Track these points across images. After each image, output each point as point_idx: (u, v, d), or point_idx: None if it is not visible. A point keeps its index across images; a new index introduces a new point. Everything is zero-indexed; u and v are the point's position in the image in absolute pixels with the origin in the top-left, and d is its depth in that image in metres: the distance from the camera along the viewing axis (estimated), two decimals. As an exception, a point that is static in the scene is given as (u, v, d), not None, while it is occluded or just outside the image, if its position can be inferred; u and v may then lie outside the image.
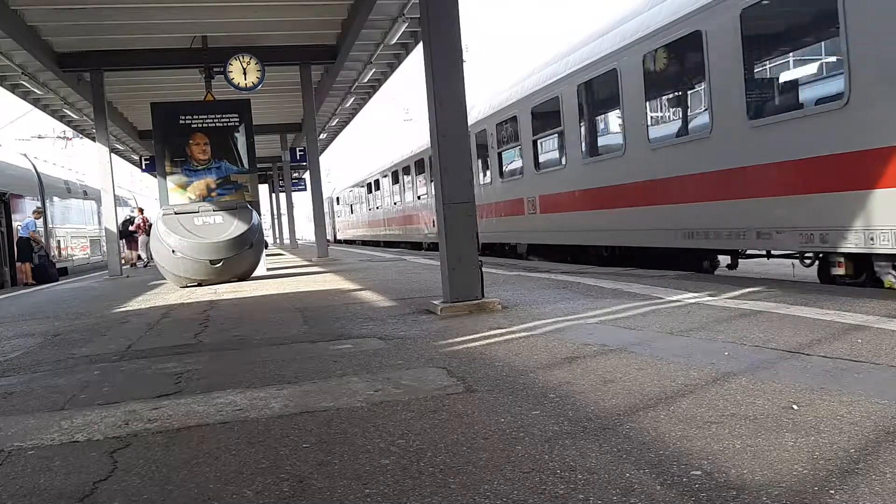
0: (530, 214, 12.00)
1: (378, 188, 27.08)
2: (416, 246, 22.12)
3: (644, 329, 4.32)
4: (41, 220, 18.87)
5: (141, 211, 23.51)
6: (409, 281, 8.92)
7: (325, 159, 37.76)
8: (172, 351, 4.80)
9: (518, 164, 12.83)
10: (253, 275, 11.55)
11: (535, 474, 2.08)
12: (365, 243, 31.47)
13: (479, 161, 14.40)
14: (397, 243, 24.43)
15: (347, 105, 22.25)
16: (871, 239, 5.60)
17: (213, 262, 10.43)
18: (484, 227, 14.04)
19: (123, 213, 23.98)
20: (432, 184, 18.73)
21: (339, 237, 40.55)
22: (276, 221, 41.21)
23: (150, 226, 21.63)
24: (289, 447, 2.52)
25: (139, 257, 21.61)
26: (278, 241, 39.30)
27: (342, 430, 2.67)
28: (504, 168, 13.65)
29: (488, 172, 14.28)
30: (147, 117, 15.16)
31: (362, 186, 30.77)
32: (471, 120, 14.57)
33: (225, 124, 13.76)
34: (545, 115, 11.31)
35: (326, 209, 43.54)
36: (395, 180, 23.43)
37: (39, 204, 20.00)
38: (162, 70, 15.66)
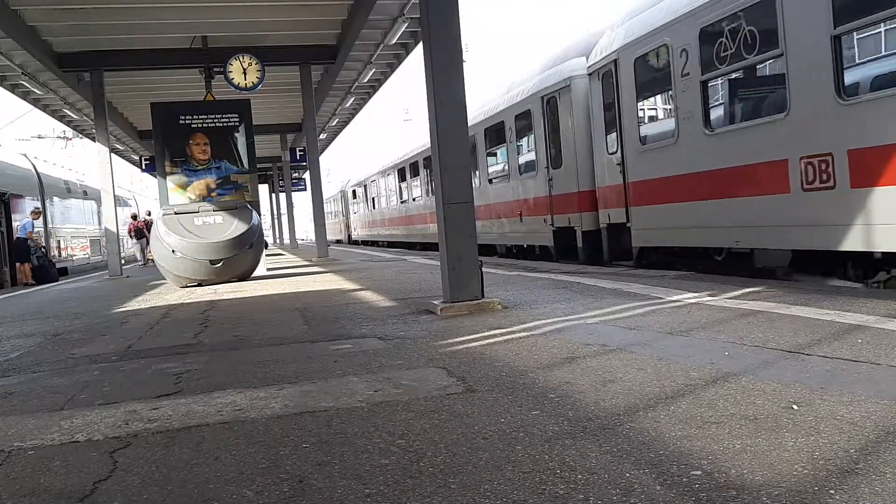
0: (815, 190, 6.17)
1: (417, 173, 21.07)
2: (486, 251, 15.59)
3: (644, 329, 4.32)
4: (40, 220, 18.87)
5: (134, 217, 24.22)
6: (408, 281, 8.92)
7: (325, 159, 36.73)
8: (172, 351, 4.80)
9: (776, 93, 6.91)
10: (253, 275, 11.54)
11: (535, 474, 2.08)
12: (392, 245, 25.17)
13: (621, 105, 9.07)
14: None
15: (347, 105, 22.25)
16: None
17: (213, 262, 10.43)
18: (640, 219, 8.94)
19: (123, 213, 24.21)
20: (522, 157, 12.98)
21: (354, 237, 34.66)
22: (276, 221, 41.15)
23: (138, 230, 22.20)
24: (289, 447, 2.52)
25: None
26: (278, 241, 39.26)
27: (342, 430, 2.67)
28: (720, 107, 7.93)
29: (655, 125, 9.04)
30: (147, 117, 15.17)
31: (393, 173, 24.41)
32: (612, 43, 9.11)
33: (225, 124, 13.76)
34: None
35: (338, 207, 39.01)
36: None
37: (38, 204, 20.01)
38: (162, 70, 15.68)
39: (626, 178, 9.27)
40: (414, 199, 21.94)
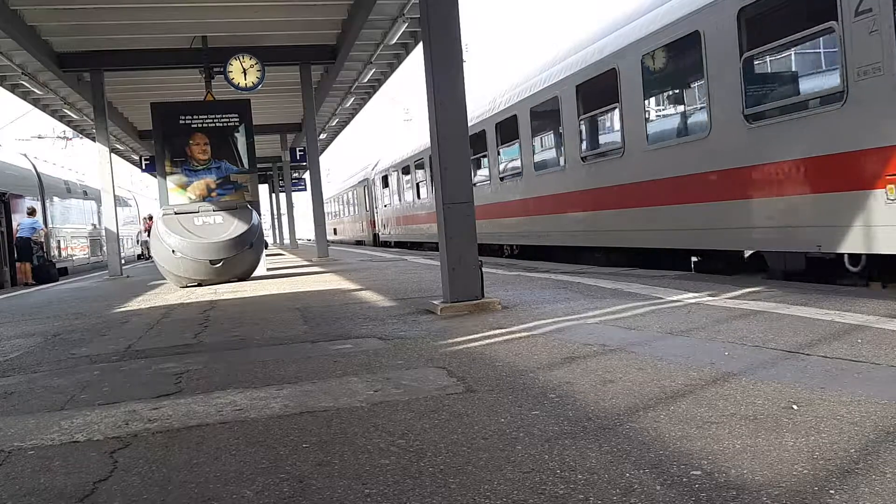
0: None
1: (507, 139, 13.01)
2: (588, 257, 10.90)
3: (644, 329, 4.32)
4: (38, 218, 18.90)
5: (150, 218, 25.69)
6: (408, 281, 8.92)
7: (325, 159, 35.54)
8: (172, 351, 4.80)
9: None
10: (253, 275, 11.55)
11: (535, 474, 2.08)
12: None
13: None
14: (527, 248, 12.93)
15: (347, 105, 22.25)
16: None
17: (213, 262, 10.43)
18: None
19: (123, 213, 24.43)
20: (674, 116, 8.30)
21: (383, 237, 26.78)
22: (276, 221, 41.10)
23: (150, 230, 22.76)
24: (289, 447, 2.52)
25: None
26: (278, 241, 39.22)
27: (342, 430, 2.67)
28: None
29: None
30: (147, 117, 15.16)
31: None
32: None
33: (225, 124, 13.74)
34: None
35: (359, 200, 31.68)
36: (567, 121, 10.47)
37: (34, 203, 19.97)
38: (162, 70, 15.67)
39: None
40: (502, 179, 13.51)
